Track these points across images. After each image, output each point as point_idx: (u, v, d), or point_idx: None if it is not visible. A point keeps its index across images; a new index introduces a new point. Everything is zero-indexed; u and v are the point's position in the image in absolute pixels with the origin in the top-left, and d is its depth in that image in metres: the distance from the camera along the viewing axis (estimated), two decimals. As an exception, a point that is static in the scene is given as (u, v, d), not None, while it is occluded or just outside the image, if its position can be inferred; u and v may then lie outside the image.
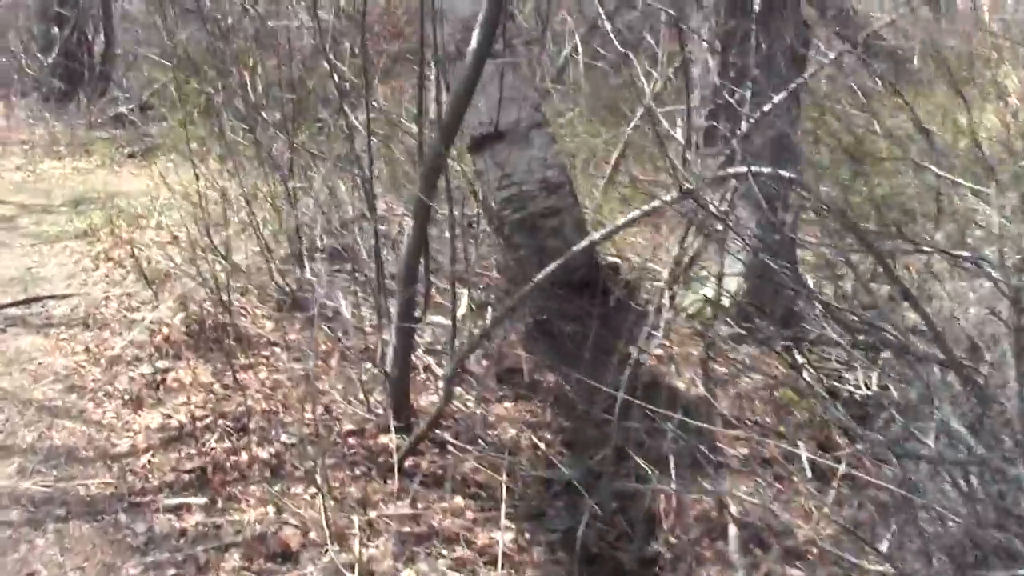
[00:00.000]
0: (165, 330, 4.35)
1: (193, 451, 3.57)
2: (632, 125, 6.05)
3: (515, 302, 3.74)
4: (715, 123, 4.62)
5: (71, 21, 9.69)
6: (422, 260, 3.59)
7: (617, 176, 6.11)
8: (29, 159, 7.76)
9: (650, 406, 3.48)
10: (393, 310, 3.61)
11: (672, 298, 5.00)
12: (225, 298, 4.45)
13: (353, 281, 4.80)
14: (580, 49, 7.99)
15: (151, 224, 5.75)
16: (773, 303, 4.59)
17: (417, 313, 3.66)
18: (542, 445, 3.86)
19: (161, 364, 4.10)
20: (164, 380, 3.99)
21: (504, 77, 4.54)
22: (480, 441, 3.77)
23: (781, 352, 4.38)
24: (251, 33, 6.65)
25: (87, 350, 4.26)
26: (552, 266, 3.40)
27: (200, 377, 4.00)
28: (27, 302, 4.89)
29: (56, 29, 9.76)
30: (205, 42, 7.96)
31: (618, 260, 5.28)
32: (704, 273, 4.91)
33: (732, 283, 4.73)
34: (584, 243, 3.64)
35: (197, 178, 6.20)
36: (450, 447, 3.68)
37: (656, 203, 3.25)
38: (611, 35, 6.27)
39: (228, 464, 3.50)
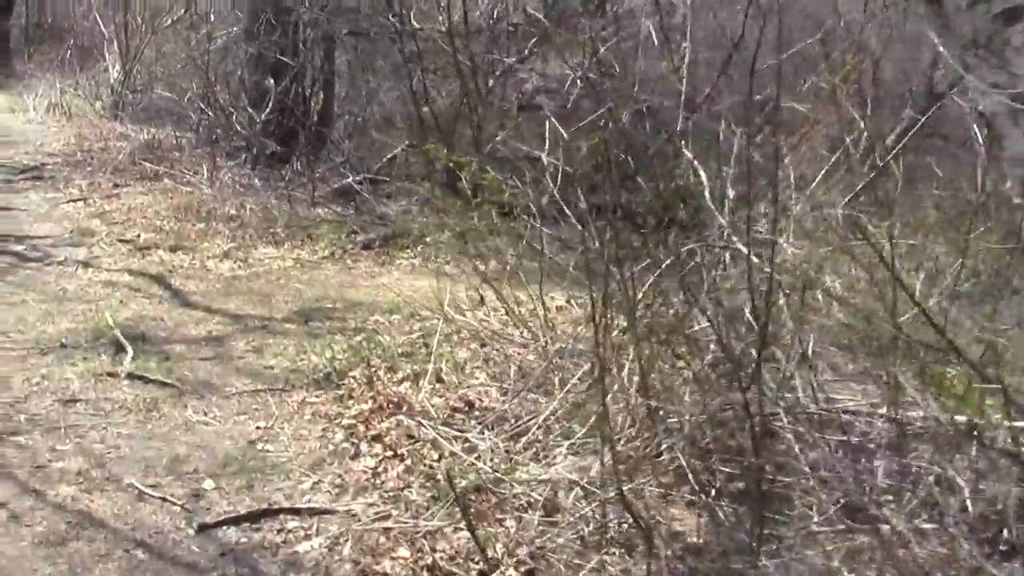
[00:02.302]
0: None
1: None
2: None
3: None
4: None
5: (291, 72, 8.00)
6: None
7: None
8: (239, 243, 5.99)
9: None
10: None
11: None
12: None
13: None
14: None
15: (427, 372, 3.77)
16: None
17: None
18: None
19: None
20: None
21: None
22: None
23: None
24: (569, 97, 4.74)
25: None
26: None
27: None
28: (254, 518, 2.96)
29: (271, 80, 8.08)
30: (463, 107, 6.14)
31: None
32: None
33: None
34: None
35: (482, 301, 4.37)
36: None
37: None
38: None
39: None
